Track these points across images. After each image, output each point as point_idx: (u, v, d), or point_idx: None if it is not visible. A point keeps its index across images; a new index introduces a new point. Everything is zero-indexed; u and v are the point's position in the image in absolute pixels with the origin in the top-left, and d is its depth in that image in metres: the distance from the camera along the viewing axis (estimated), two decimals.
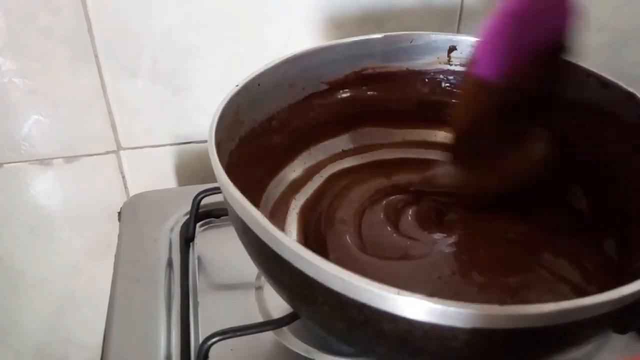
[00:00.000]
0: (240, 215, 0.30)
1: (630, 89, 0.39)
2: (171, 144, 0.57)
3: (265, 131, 0.42)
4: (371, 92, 0.48)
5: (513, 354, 0.28)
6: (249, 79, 0.39)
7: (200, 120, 0.56)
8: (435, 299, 0.24)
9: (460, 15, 0.55)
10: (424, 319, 0.25)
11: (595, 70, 0.41)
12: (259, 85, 0.40)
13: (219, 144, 0.34)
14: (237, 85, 0.38)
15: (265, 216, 0.28)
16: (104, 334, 0.39)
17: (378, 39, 0.46)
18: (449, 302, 0.24)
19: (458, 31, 0.56)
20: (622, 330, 0.28)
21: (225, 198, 0.32)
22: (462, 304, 0.24)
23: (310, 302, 0.30)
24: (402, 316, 0.25)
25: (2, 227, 0.58)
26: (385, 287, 0.25)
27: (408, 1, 0.54)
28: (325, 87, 0.46)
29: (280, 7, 0.52)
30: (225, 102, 0.37)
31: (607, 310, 0.25)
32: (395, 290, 0.24)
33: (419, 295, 0.24)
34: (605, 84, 0.40)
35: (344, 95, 0.47)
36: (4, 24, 0.48)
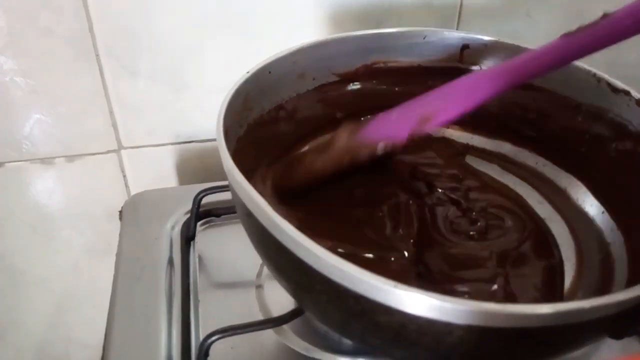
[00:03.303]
0: (243, 199, 0.30)
1: None
2: (172, 143, 0.57)
3: (273, 119, 0.42)
4: (381, 86, 0.48)
5: (507, 352, 0.28)
6: (260, 66, 0.39)
7: (201, 120, 0.56)
8: (431, 293, 0.24)
9: (460, 14, 0.56)
10: (419, 313, 0.25)
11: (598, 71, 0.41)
12: (269, 72, 0.40)
13: (227, 130, 0.34)
14: (247, 72, 0.38)
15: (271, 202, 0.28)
16: (105, 333, 0.39)
17: (391, 33, 0.46)
18: (445, 297, 0.24)
19: (457, 30, 0.56)
20: (617, 336, 0.28)
21: (229, 182, 0.32)
22: (458, 300, 0.24)
23: (308, 290, 0.30)
24: (398, 309, 0.25)
25: (3, 226, 0.58)
26: (382, 279, 0.25)
27: (408, 0, 0.54)
28: (335, 78, 0.46)
29: (281, 6, 0.52)
30: (235, 89, 0.37)
31: (603, 315, 0.25)
32: (392, 283, 0.24)
33: (415, 289, 0.24)
34: (615, 89, 0.40)
35: (354, 87, 0.47)
36: (5, 23, 0.48)
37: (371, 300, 0.25)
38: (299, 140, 0.46)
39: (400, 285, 0.24)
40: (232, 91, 0.36)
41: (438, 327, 0.25)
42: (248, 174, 0.30)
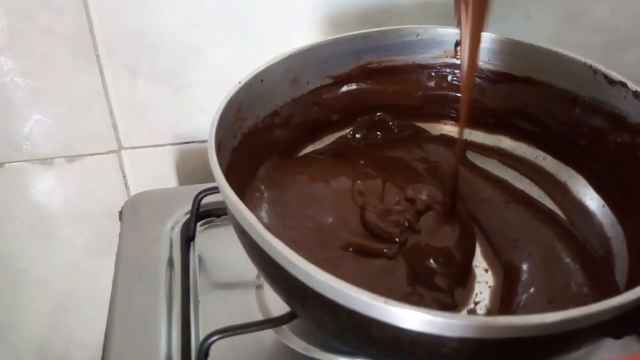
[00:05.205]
0: (236, 217, 0.30)
1: (637, 87, 0.39)
2: (172, 144, 0.57)
3: (268, 127, 0.42)
4: (376, 86, 0.48)
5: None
6: (251, 75, 0.39)
7: (201, 120, 0.56)
8: (422, 309, 0.24)
9: None
10: (411, 327, 0.25)
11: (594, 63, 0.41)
12: (262, 81, 0.40)
13: (220, 143, 0.34)
14: (239, 82, 0.38)
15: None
16: (105, 333, 0.39)
17: (383, 32, 0.46)
18: (436, 312, 0.24)
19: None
20: (616, 336, 0.28)
21: (223, 199, 0.32)
22: (449, 314, 0.24)
23: (303, 304, 0.30)
24: (390, 323, 0.25)
25: (3, 225, 0.58)
26: (373, 295, 0.25)
27: (407, 0, 0.54)
28: (330, 81, 0.46)
29: (281, 6, 0.52)
30: (227, 100, 0.36)
31: (598, 321, 0.25)
32: (382, 299, 0.24)
33: (405, 305, 0.24)
34: (611, 81, 0.40)
35: (349, 88, 0.47)
36: (5, 24, 0.48)
37: (363, 315, 0.25)
38: (296, 145, 0.46)
39: (390, 301, 0.24)
40: (224, 103, 0.36)
41: (431, 339, 0.25)
42: (244, 185, 0.30)
